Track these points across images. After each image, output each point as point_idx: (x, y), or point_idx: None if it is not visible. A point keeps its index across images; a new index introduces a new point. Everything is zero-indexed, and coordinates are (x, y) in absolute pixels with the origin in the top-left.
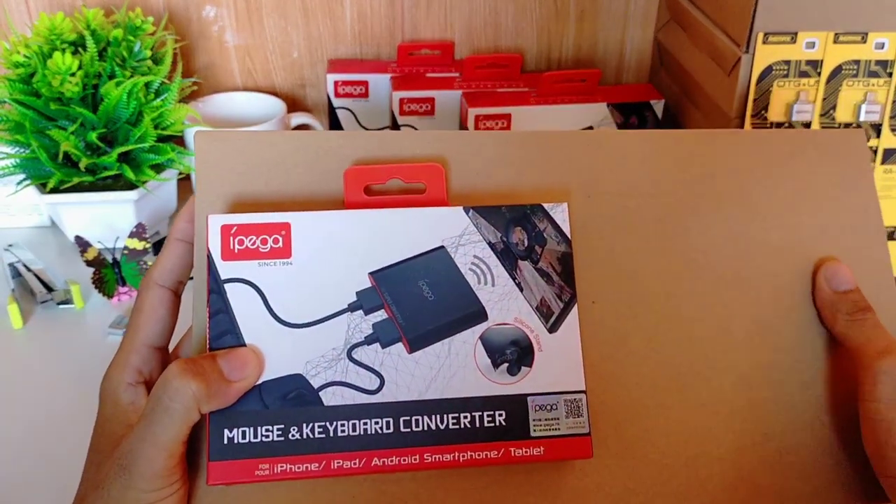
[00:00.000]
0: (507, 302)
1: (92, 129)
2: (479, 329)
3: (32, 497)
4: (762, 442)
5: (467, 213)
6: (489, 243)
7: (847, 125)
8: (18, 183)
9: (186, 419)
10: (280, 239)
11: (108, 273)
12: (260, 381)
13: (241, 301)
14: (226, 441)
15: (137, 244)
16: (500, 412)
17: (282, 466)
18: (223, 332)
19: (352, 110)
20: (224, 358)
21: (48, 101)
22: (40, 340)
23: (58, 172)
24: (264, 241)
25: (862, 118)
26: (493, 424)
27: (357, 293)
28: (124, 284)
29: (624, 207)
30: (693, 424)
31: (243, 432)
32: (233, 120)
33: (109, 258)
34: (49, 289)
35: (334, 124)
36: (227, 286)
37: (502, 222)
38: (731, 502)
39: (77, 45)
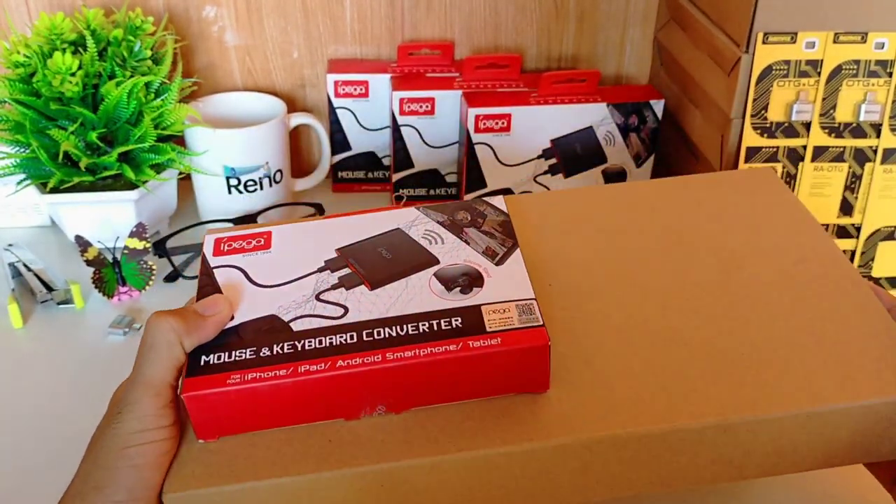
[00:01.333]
0: (456, 252)
1: (92, 128)
2: (433, 269)
3: (32, 496)
4: (707, 368)
5: (418, 209)
6: (438, 222)
7: (847, 125)
8: (18, 183)
9: (169, 354)
10: (262, 239)
11: (108, 273)
12: (237, 323)
13: (225, 277)
14: (202, 363)
15: (137, 244)
16: (457, 318)
17: (252, 375)
18: (206, 296)
19: (352, 110)
20: (197, 302)
21: (48, 100)
22: (40, 340)
23: (58, 172)
24: (248, 243)
25: (862, 118)
26: (450, 327)
27: (325, 261)
28: (124, 284)
29: (568, 233)
30: (657, 362)
31: (218, 356)
32: (233, 120)
33: (109, 258)
34: (49, 288)
35: (334, 124)
36: (216, 270)
37: (448, 210)
38: (703, 430)
39: (77, 45)
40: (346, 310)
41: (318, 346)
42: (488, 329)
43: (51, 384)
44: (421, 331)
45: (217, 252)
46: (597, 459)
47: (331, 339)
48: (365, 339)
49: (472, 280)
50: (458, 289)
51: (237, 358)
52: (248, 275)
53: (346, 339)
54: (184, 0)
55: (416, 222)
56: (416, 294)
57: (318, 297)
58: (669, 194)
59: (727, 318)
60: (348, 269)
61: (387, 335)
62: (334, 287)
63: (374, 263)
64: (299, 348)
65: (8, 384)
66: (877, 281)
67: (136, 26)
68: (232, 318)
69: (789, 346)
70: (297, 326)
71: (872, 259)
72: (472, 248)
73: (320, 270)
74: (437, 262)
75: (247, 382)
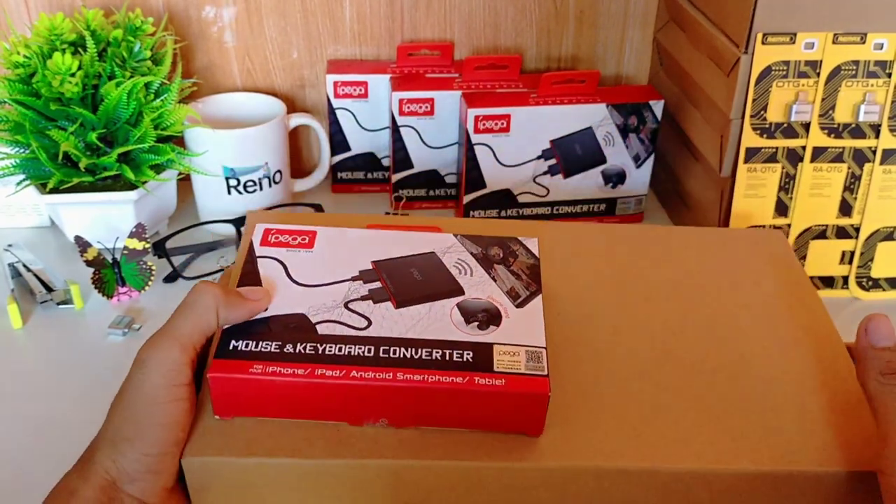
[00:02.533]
0: (482, 286)
1: (92, 129)
2: (457, 299)
3: (33, 497)
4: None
5: (455, 237)
6: (471, 253)
7: (846, 126)
8: (18, 183)
9: (204, 316)
10: (307, 238)
11: (107, 273)
12: (269, 315)
13: (267, 268)
14: (230, 347)
15: (137, 244)
16: (469, 352)
17: (273, 369)
18: (248, 283)
19: (351, 111)
20: (241, 287)
21: (48, 101)
22: (40, 340)
23: (58, 172)
24: (294, 239)
25: (861, 118)
26: (461, 360)
27: (360, 271)
28: (124, 284)
29: (584, 266)
30: (649, 413)
31: (246, 343)
32: (233, 120)
33: (109, 258)
34: (49, 289)
35: (334, 125)
36: (259, 260)
37: (483, 242)
38: (706, 460)
39: (77, 46)
40: (370, 322)
41: (337, 352)
42: (495, 368)
43: (51, 384)
44: (433, 357)
45: (264, 242)
46: (579, 486)
47: (350, 348)
48: (381, 355)
49: (490, 317)
50: (476, 323)
51: (262, 349)
52: (287, 269)
53: (363, 352)
54: (184, 0)
55: (450, 249)
56: (437, 321)
57: (346, 305)
58: (681, 243)
59: (714, 371)
60: (379, 283)
61: (402, 355)
62: (363, 298)
63: (403, 281)
64: (320, 351)
65: (8, 384)
66: (876, 282)
67: (135, 27)
68: (266, 309)
69: (766, 406)
70: (322, 330)
71: (872, 259)
72: (497, 285)
73: (353, 279)
74: (461, 292)
75: (267, 374)
